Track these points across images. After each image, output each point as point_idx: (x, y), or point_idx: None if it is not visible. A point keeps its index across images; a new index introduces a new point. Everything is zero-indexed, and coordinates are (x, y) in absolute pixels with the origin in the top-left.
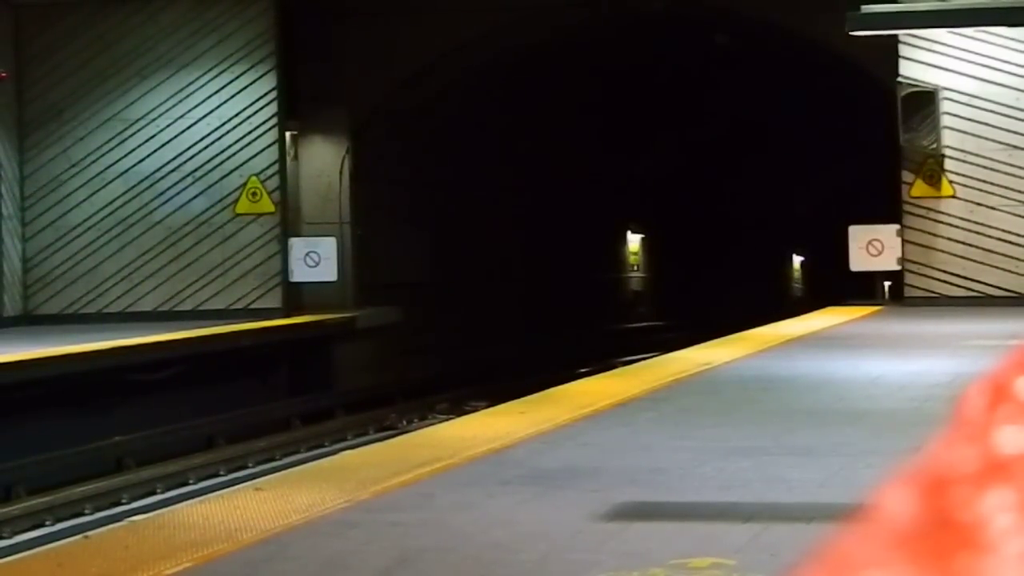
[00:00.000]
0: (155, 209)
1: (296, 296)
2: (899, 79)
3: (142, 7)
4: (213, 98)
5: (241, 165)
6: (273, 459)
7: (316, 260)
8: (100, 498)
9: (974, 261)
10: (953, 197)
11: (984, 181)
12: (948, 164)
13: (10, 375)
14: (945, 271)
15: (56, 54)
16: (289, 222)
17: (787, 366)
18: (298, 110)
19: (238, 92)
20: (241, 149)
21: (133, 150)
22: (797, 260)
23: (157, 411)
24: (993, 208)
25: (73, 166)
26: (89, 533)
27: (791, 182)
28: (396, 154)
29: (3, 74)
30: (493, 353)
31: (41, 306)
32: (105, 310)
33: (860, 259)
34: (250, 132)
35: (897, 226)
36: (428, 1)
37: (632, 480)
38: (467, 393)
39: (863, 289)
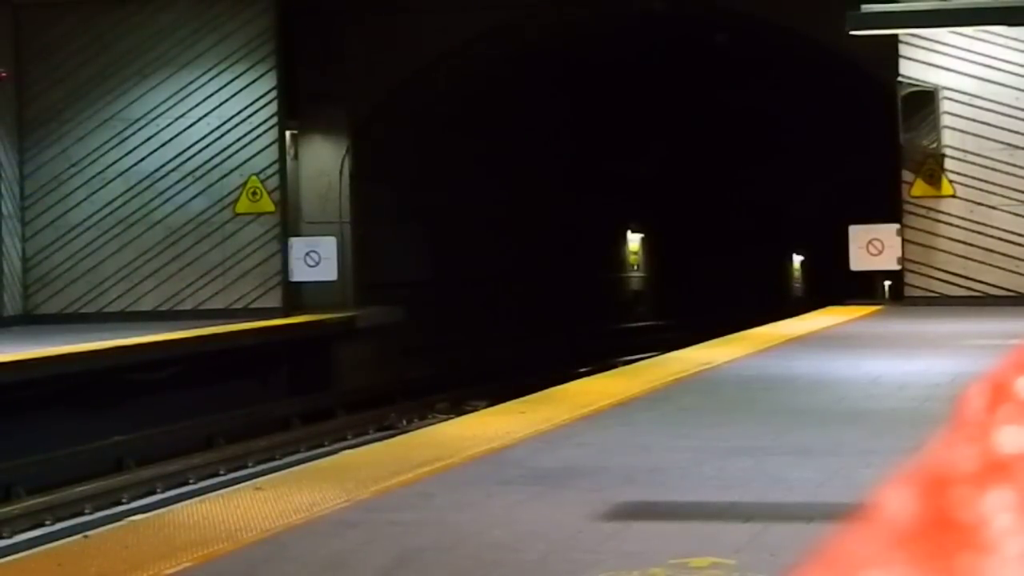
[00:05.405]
0: (155, 209)
1: (296, 296)
2: (899, 79)
3: (142, 7)
4: (213, 98)
5: (241, 165)
6: (273, 459)
7: (316, 260)
8: (100, 498)
9: (974, 261)
10: (953, 197)
11: (984, 181)
12: (948, 164)
13: (10, 375)
14: (945, 271)
15: (56, 54)
16: (289, 222)
17: (787, 366)
18: (298, 110)
19: (238, 92)
20: (241, 149)
21: (133, 150)
22: (797, 260)
23: (157, 411)
24: (993, 208)
25: (73, 166)
26: (89, 533)
27: (791, 181)
28: (396, 154)
29: (3, 74)
30: (493, 353)
31: (41, 306)
32: (105, 310)
33: (860, 259)
34: (250, 132)
35: (897, 226)
36: (428, 1)
37: (631, 480)
38: (467, 393)
39: (863, 289)
